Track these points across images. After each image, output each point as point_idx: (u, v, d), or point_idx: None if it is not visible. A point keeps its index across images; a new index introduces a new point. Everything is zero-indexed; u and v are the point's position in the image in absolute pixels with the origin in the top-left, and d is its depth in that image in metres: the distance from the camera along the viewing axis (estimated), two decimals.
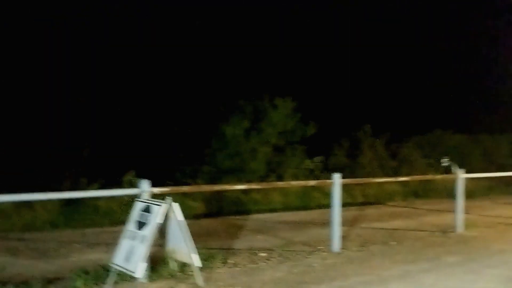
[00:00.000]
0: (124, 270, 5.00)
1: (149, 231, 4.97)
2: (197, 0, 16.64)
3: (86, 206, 9.74)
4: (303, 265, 6.29)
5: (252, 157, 12.86)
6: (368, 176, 13.90)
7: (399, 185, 14.71)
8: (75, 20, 14.11)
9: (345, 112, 18.47)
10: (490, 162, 18.15)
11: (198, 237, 5.45)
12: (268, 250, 7.15)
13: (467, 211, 9.34)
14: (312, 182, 10.76)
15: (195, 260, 5.15)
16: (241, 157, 12.82)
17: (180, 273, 5.60)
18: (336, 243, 7.14)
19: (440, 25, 22.83)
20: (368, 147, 15.94)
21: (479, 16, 21.80)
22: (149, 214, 5.09)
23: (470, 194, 11.63)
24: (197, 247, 5.26)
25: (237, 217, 10.50)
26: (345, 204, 7.70)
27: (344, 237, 7.64)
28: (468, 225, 9.08)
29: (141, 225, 5.10)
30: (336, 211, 7.14)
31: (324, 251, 7.11)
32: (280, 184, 10.98)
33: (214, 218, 10.27)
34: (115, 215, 9.66)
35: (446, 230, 8.88)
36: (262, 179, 12.72)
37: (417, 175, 14.35)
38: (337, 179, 7.20)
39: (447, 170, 12.74)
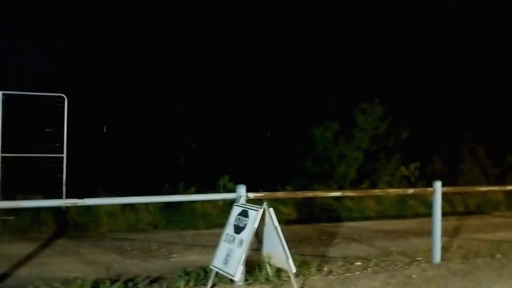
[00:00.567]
0: (223, 273, 5.15)
1: (247, 235, 5.07)
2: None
3: (184, 209, 10.21)
4: (401, 276, 6.07)
5: (341, 161, 12.69)
6: (469, 184, 13.13)
7: (503, 194, 13.69)
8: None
9: (442, 116, 17.52)
10: None
11: (290, 243, 5.46)
12: (364, 259, 6.99)
13: None
14: (410, 190, 10.33)
15: (292, 266, 5.17)
16: (330, 161, 12.70)
17: (275, 278, 5.63)
18: (437, 254, 6.83)
19: None
20: (469, 153, 15.09)
21: None
22: (246, 218, 5.20)
23: None
24: (290, 253, 5.27)
25: (329, 224, 10.38)
26: (444, 214, 7.32)
27: (445, 248, 7.28)
28: None
29: (238, 229, 5.22)
30: (437, 221, 6.88)
31: (423, 262, 6.80)
32: (376, 191, 10.68)
33: (305, 224, 10.22)
34: (210, 217, 10.06)
35: None
36: (353, 185, 12.49)
37: None
38: (438, 187, 6.96)
39: None
